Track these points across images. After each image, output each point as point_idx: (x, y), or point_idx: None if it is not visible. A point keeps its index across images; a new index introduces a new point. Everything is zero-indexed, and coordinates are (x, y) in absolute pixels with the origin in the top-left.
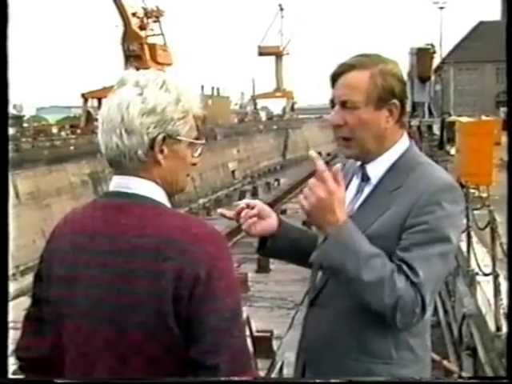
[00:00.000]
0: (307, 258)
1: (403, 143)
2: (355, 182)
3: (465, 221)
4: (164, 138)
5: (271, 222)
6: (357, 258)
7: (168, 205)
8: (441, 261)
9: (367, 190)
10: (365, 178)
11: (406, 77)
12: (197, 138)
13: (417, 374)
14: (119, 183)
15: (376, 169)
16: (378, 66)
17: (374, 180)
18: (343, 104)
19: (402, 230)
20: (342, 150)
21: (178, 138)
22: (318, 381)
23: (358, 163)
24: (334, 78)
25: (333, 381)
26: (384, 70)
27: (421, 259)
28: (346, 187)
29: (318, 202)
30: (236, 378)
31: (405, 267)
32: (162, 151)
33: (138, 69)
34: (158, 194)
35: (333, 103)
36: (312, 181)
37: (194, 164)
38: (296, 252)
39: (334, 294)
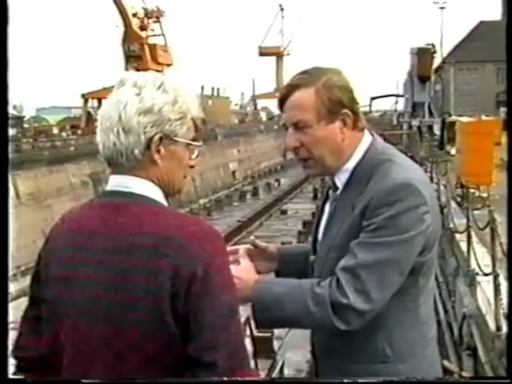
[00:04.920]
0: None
1: (364, 144)
2: (330, 194)
3: (464, 221)
4: (161, 138)
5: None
6: (280, 303)
7: (165, 204)
8: (389, 248)
9: (336, 200)
10: (334, 189)
11: (406, 76)
12: (194, 140)
13: (413, 367)
14: (116, 183)
15: (342, 178)
16: (320, 80)
17: (340, 189)
18: (295, 125)
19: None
20: (303, 171)
21: (175, 138)
22: (315, 381)
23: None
24: (281, 101)
25: (328, 381)
26: (328, 84)
27: (361, 245)
28: (325, 201)
29: None
30: (238, 379)
31: (342, 262)
32: (158, 151)
33: (137, 70)
34: (155, 192)
35: (286, 126)
36: None
37: (192, 166)
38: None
39: None
